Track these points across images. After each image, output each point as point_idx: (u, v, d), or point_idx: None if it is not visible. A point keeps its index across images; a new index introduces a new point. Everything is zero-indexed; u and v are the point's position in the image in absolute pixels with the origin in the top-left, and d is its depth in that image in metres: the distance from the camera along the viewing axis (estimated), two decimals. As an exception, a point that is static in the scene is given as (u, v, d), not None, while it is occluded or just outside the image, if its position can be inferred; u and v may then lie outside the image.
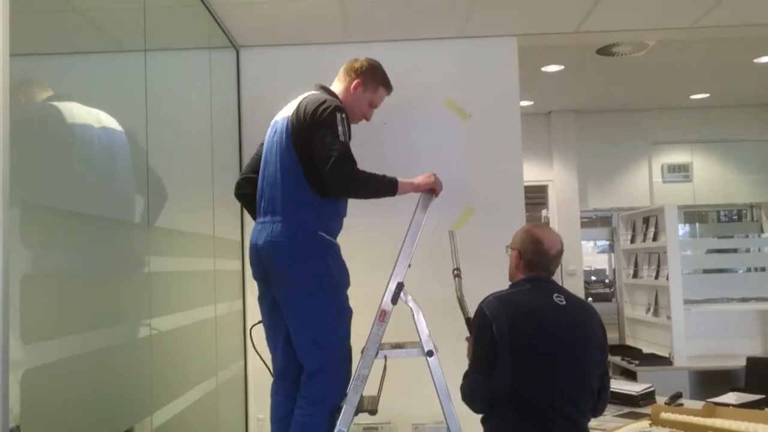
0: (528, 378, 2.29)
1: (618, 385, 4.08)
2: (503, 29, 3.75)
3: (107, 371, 1.93)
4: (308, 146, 2.46)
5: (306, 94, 2.59)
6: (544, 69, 5.85)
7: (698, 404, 3.55)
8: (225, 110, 3.46)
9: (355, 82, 2.69)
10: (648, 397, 3.84)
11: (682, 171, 8.00)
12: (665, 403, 3.62)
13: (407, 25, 3.62)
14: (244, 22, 3.47)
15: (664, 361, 5.53)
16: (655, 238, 5.91)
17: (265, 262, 2.48)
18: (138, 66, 2.33)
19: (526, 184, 3.94)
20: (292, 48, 3.76)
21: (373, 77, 2.72)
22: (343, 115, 2.48)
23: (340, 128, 2.43)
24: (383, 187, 2.56)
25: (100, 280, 1.91)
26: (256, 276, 2.59)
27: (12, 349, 1.40)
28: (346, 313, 2.54)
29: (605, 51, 5.17)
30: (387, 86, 2.78)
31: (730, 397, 3.77)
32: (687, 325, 5.51)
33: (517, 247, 2.52)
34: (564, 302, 2.41)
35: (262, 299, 2.59)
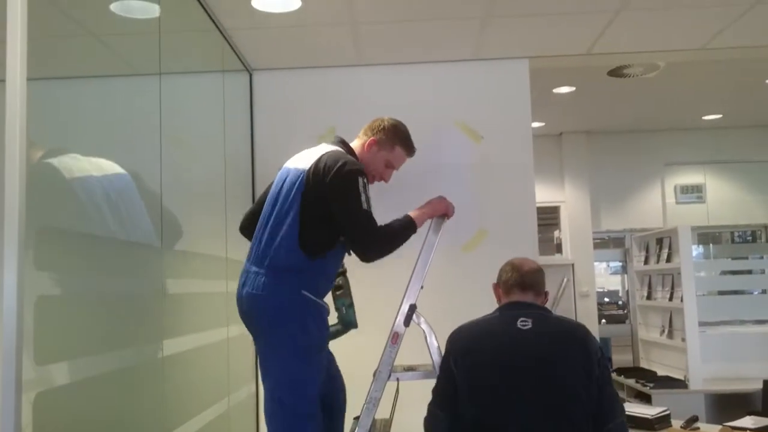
0: (486, 410, 2.19)
1: (633, 408, 4.03)
2: (515, 51, 3.77)
3: (120, 393, 1.92)
4: (318, 206, 2.37)
5: (326, 150, 2.47)
6: (555, 90, 5.86)
7: (715, 428, 3.50)
8: (238, 132, 3.49)
9: (371, 139, 2.59)
10: (663, 421, 3.79)
11: (695, 192, 7.96)
12: (681, 427, 3.57)
13: (420, 47, 3.65)
14: (257, 46, 3.50)
15: (679, 383, 5.47)
16: (668, 260, 5.87)
17: (247, 313, 2.42)
18: (153, 89, 2.35)
19: (537, 205, 3.93)
20: (305, 71, 3.79)
21: (390, 136, 2.61)
22: (365, 180, 2.41)
23: (363, 196, 2.36)
24: (404, 233, 2.49)
25: (114, 302, 1.92)
26: (243, 323, 2.49)
27: (25, 371, 1.40)
28: (318, 378, 2.40)
29: (616, 72, 5.18)
30: (406, 146, 2.66)
31: (747, 421, 3.72)
32: (702, 347, 5.44)
33: (497, 280, 2.52)
34: (529, 326, 2.27)
35: (256, 347, 2.50)
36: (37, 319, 1.48)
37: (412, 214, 2.56)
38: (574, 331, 2.34)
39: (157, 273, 2.21)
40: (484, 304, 3.30)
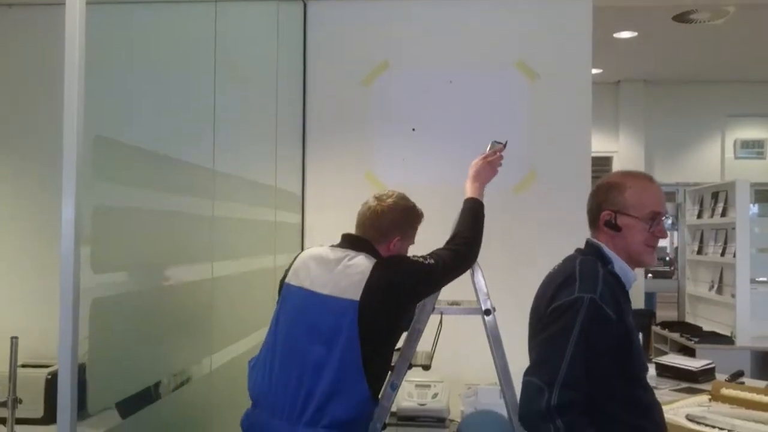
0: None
1: (677, 360, 3.99)
2: (578, -12, 3.63)
3: (170, 307, 1.98)
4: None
5: (360, 266, 2.16)
6: (616, 35, 5.67)
7: (761, 384, 3.45)
8: (291, 61, 3.47)
9: (396, 239, 2.30)
10: (707, 374, 3.75)
11: (756, 147, 7.70)
12: (726, 380, 3.53)
13: (478, -19, 3.54)
14: (313, -25, 3.45)
15: (725, 339, 5.39)
16: (723, 214, 5.71)
17: None
18: (209, 16, 2.34)
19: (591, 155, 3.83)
20: (359, 3, 3.72)
21: (410, 224, 2.37)
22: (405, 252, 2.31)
23: (415, 260, 2.23)
24: (480, 221, 2.38)
25: (167, 218, 1.95)
26: None
27: (83, 278, 1.44)
28: None
29: (682, 18, 4.96)
30: (419, 221, 2.41)
31: (795, 378, 3.65)
32: (752, 304, 5.33)
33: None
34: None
35: None
36: (94, 228, 1.51)
37: (474, 194, 2.42)
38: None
39: (209, 194, 2.23)
40: (534, 246, 3.29)
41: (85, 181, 1.45)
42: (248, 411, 2.21)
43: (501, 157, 2.54)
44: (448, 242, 2.37)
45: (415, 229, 2.37)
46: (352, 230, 2.31)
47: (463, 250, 2.32)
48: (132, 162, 1.74)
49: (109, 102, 1.66)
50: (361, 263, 2.18)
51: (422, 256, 2.27)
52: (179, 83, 2.07)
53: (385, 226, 2.27)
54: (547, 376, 1.73)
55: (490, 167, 2.50)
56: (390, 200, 2.29)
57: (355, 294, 2.11)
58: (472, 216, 2.38)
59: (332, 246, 2.29)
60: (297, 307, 2.18)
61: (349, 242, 2.27)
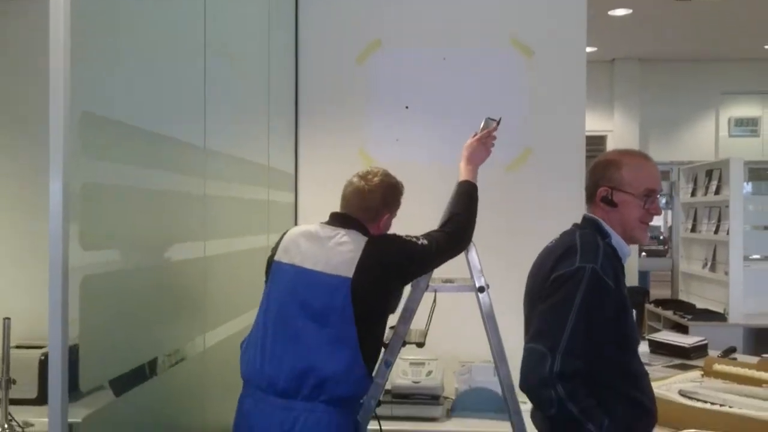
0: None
1: (669, 337, 4.02)
2: (572, -36, 3.59)
3: (163, 285, 1.97)
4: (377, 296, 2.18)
5: (352, 243, 2.17)
6: (610, 13, 5.64)
7: (753, 359, 3.47)
8: (283, 41, 3.43)
9: (386, 216, 2.32)
10: (700, 350, 3.78)
11: (750, 125, 7.71)
12: (718, 357, 3.55)
13: (471, -43, 3.50)
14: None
15: (718, 316, 5.43)
16: (717, 192, 5.73)
17: None
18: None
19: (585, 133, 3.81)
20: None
21: (397, 199, 2.36)
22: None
23: (408, 240, 2.23)
24: (473, 203, 2.38)
25: (158, 197, 1.94)
26: None
27: (72, 255, 1.43)
28: None
29: (678, -7, 4.94)
30: (402, 193, 2.41)
31: (788, 354, 3.67)
32: (745, 281, 5.36)
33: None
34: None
35: None
36: (84, 204, 1.50)
37: (468, 177, 2.42)
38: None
39: (200, 173, 2.22)
40: (528, 224, 3.29)
41: (73, 157, 1.44)
42: (242, 394, 2.20)
43: (494, 137, 2.53)
44: (442, 225, 2.37)
45: (400, 202, 2.38)
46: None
47: (457, 233, 2.33)
48: (121, 139, 1.72)
49: (97, 78, 1.63)
50: (353, 240, 2.18)
51: (416, 237, 2.26)
52: (168, 60, 2.05)
53: (374, 205, 2.27)
54: (551, 343, 1.78)
55: (483, 148, 2.49)
56: (376, 179, 2.28)
57: (347, 271, 2.11)
58: (466, 199, 2.38)
59: (322, 223, 2.28)
60: (288, 284, 2.17)
61: (339, 220, 2.26)
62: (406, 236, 2.27)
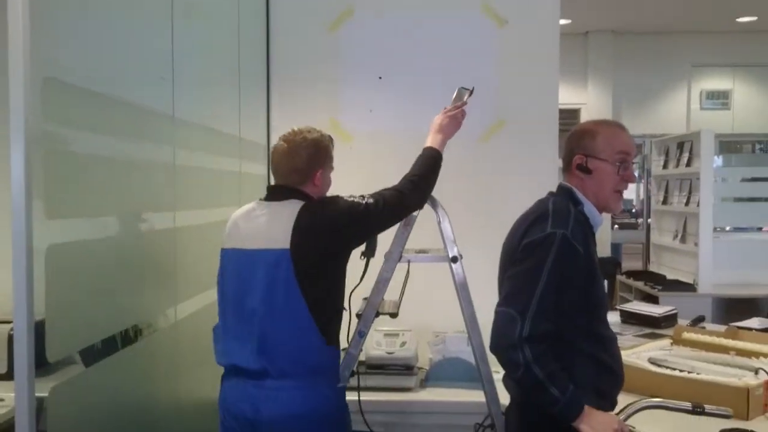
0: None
1: (640, 307, 4.07)
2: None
3: (132, 256, 1.94)
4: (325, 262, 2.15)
5: (286, 213, 2.13)
6: (585, -17, 5.62)
7: (721, 328, 3.53)
8: (253, 8, 3.36)
9: (317, 173, 2.24)
10: (670, 320, 3.84)
11: (721, 98, 7.78)
12: (687, 326, 3.60)
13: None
14: None
15: (687, 287, 5.51)
16: (688, 164, 5.79)
17: None
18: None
19: (558, 106, 3.80)
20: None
21: (328, 154, 2.29)
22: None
23: (349, 199, 2.20)
24: (434, 168, 2.36)
25: (125, 165, 1.90)
26: None
27: (36, 224, 1.39)
28: None
29: (651, -35, 4.93)
30: (332, 143, 2.35)
31: (754, 322, 3.75)
32: (715, 252, 5.45)
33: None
34: None
35: None
36: (46, 172, 1.46)
37: (434, 144, 2.40)
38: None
39: (169, 142, 2.17)
40: (500, 195, 3.28)
41: (35, 125, 1.40)
42: (222, 378, 2.22)
43: (464, 112, 2.52)
44: (397, 183, 2.33)
45: (332, 155, 2.31)
46: None
47: (407, 190, 2.28)
48: (86, 106, 1.68)
49: (60, 43, 1.58)
50: (289, 210, 2.14)
51: (360, 196, 2.22)
52: (134, 25, 1.99)
53: (302, 165, 2.21)
54: (520, 307, 1.82)
55: (454, 121, 2.47)
56: (298, 138, 2.23)
57: (284, 242, 2.08)
58: (428, 161, 2.36)
59: (259, 200, 2.25)
60: (235, 269, 2.17)
61: (275, 193, 2.23)
62: (349, 196, 2.22)
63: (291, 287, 2.07)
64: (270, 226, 2.14)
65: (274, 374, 2.08)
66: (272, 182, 2.32)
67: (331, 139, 2.32)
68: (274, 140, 3.50)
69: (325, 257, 2.14)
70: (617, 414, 1.88)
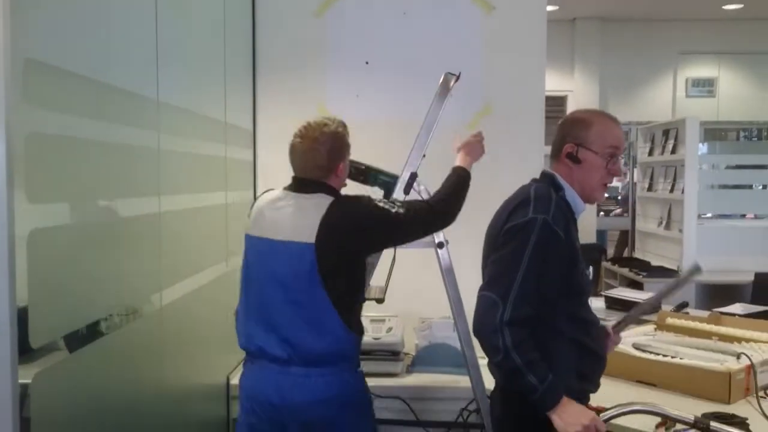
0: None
1: (625, 293, 4.11)
2: None
3: (116, 241, 1.92)
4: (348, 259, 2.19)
5: (314, 207, 2.17)
6: (572, -31, 5.61)
7: (704, 314, 3.57)
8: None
9: (339, 166, 2.27)
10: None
11: (706, 86, 7.82)
12: (671, 311, 3.64)
13: None
14: None
15: (672, 273, 5.56)
16: (673, 151, 5.82)
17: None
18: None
19: (545, 93, 3.79)
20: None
21: (347, 145, 2.32)
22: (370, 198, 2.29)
23: (383, 207, 2.23)
24: (464, 188, 2.44)
25: (109, 149, 1.88)
26: None
27: (18, 207, 1.37)
28: None
29: (638, -49, 4.93)
30: (348, 132, 2.37)
31: (737, 308, 3.79)
32: (699, 239, 5.50)
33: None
34: None
35: None
36: (28, 155, 1.44)
37: (464, 165, 2.48)
38: None
39: (153, 126, 2.15)
40: (486, 181, 3.26)
41: (16, 106, 1.38)
42: (244, 361, 2.32)
43: (482, 137, 2.60)
44: (429, 198, 2.39)
45: (349, 143, 2.34)
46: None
47: (440, 206, 2.33)
48: (68, 88, 1.65)
49: (42, 23, 1.56)
50: (316, 204, 2.17)
51: (392, 203, 2.26)
52: (118, 7, 1.97)
53: (323, 162, 2.24)
54: (502, 291, 1.84)
55: (479, 146, 2.55)
56: (316, 134, 2.24)
57: (310, 237, 2.12)
58: (458, 180, 2.42)
59: (285, 189, 2.27)
60: (258, 256, 2.23)
61: (301, 185, 2.25)
62: (379, 201, 2.26)
63: (314, 281, 2.12)
64: (296, 219, 2.18)
65: (298, 362, 2.15)
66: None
67: (344, 126, 2.33)
68: (260, 126, 3.55)
69: (347, 256, 2.19)
70: (611, 409, 1.88)
